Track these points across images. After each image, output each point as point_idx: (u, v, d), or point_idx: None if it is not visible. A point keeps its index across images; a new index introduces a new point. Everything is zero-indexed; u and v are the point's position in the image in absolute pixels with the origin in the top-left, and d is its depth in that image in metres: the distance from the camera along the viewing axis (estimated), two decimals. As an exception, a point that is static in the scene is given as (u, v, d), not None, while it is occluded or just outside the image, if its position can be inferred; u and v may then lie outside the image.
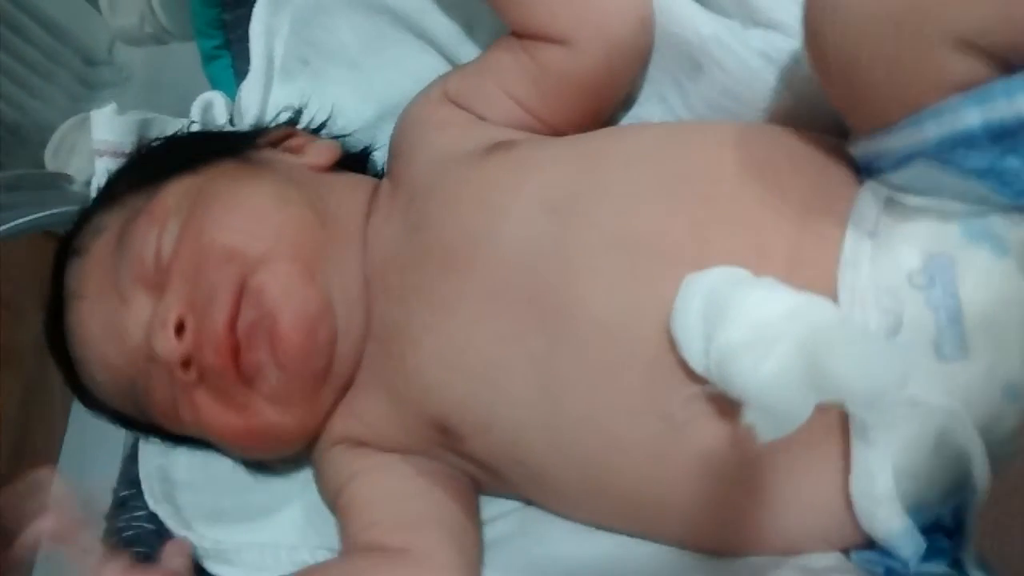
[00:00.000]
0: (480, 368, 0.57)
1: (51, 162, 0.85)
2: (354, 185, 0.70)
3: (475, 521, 0.62)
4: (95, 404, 0.71)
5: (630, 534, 0.59)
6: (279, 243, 0.62)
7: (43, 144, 0.91)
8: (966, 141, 0.44)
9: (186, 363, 0.60)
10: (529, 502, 0.64)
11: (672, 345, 0.50)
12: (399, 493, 0.61)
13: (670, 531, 0.57)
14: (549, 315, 0.55)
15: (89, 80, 1.32)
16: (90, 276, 0.66)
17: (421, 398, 0.60)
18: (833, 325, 0.45)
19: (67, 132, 0.85)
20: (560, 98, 0.64)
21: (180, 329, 0.60)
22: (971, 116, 0.44)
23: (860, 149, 0.51)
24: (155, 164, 0.72)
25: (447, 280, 0.59)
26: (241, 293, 0.60)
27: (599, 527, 0.60)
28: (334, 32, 0.78)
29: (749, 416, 0.44)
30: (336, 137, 0.76)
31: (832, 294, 0.49)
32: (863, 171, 0.52)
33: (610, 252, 0.54)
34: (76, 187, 0.83)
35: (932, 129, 0.45)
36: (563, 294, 0.54)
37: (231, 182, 0.66)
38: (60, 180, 0.83)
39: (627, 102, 0.69)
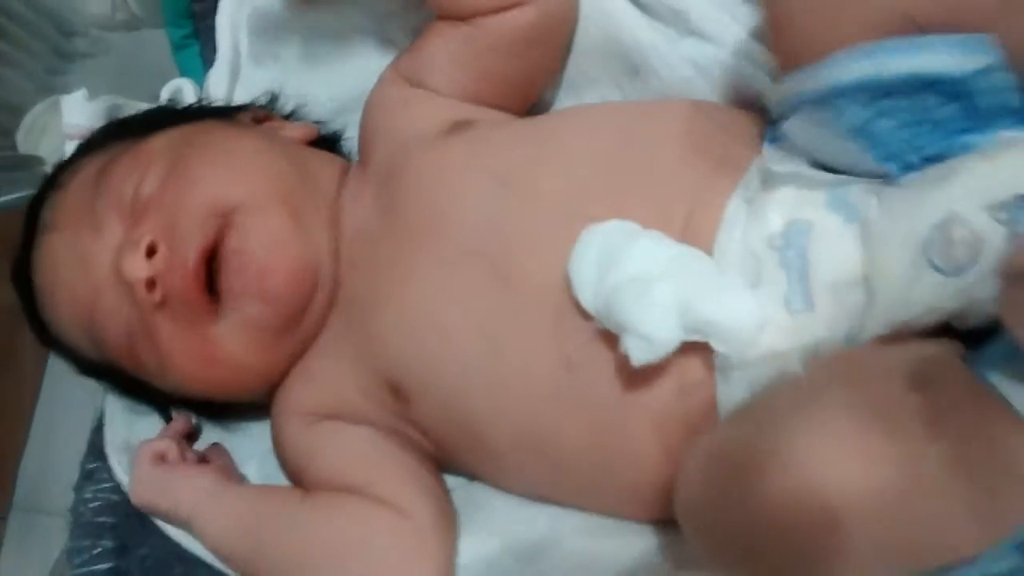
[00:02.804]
0: (430, 331, 0.61)
1: (23, 144, 0.88)
2: (328, 160, 0.74)
3: (444, 485, 0.66)
4: (54, 343, 0.72)
5: (564, 504, 0.63)
6: (266, 190, 0.65)
7: (14, 118, 0.93)
8: (848, 94, 0.49)
9: (151, 284, 0.61)
10: (471, 478, 0.67)
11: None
12: (371, 457, 0.64)
13: (599, 494, 0.61)
14: (498, 281, 0.59)
15: (64, 51, 1.33)
16: (65, 207, 0.68)
17: (377, 360, 0.63)
18: (704, 272, 0.52)
19: (39, 114, 0.88)
20: (493, 55, 0.67)
21: (151, 254, 0.61)
22: (853, 69, 0.48)
23: (775, 93, 0.55)
24: (142, 121, 0.74)
25: (411, 253, 0.63)
26: (223, 230, 0.62)
27: (536, 499, 0.64)
28: (297, 30, 0.81)
29: (626, 342, 0.51)
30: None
31: (711, 253, 0.54)
32: (768, 131, 0.57)
33: (549, 220, 0.58)
34: (47, 168, 0.86)
35: (823, 75, 0.49)
36: (509, 261, 0.59)
37: (217, 134, 0.69)
38: (31, 162, 0.85)
39: (575, 101, 0.73)
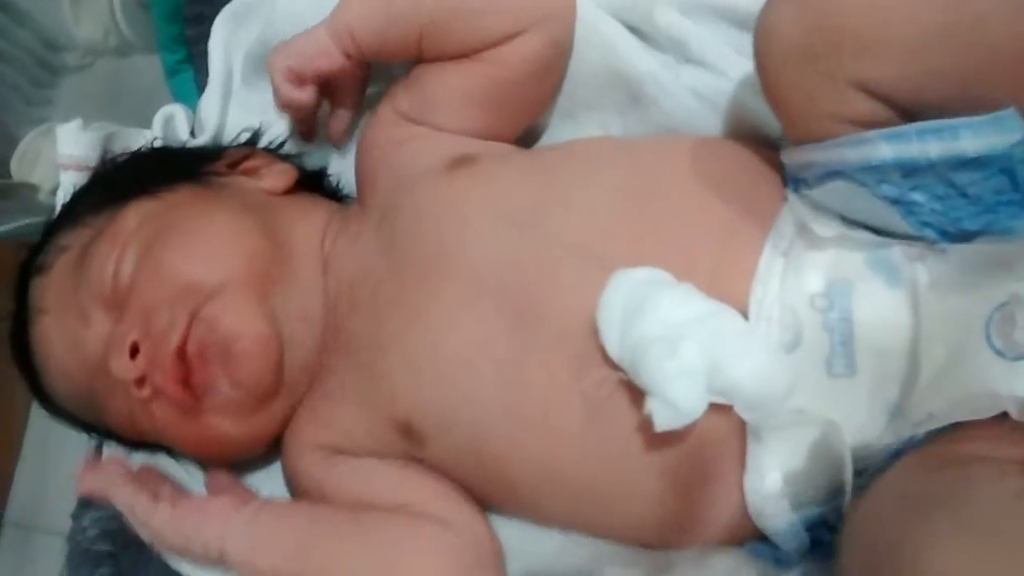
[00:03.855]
0: (446, 370, 0.61)
1: (16, 171, 0.88)
2: (311, 207, 0.73)
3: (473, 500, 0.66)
4: (57, 411, 0.74)
5: (575, 531, 0.63)
6: (232, 273, 0.65)
7: (4, 144, 0.92)
8: (880, 171, 0.50)
9: (140, 381, 0.64)
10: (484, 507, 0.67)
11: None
12: (401, 479, 0.64)
13: (608, 524, 0.62)
14: (514, 322, 0.59)
15: (55, 76, 1.32)
16: (51, 293, 0.69)
17: (388, 402, 0.63)
18: (735, 334, 0.51)
19: (32, 141, 0.88)
20: (512, 86, 0.68)
21: (135, 352, 0.64)
22: (885, 151, 0.49)
23: (791, 156, 0.56)
24: (116, 184, 0.74)
25: (419, 291, 0.62)
26: (192, 321, 0.64)
27: (547, 525, 0.65)
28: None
29: (650, 405, 0.50)
30: (292, 157, 0.79)
31: (744, 306, 0.54)
32: (791, 182, 0.57)
33: (565, 262, 0.58)
34: (41, 196, 0.86)
35: (851, 154, 0.50)
36: (527, 302, 0.58)
37: (189, 212, 0.69)
38: (25, 190, 0.85)
39: (573, 128, 0.73)
